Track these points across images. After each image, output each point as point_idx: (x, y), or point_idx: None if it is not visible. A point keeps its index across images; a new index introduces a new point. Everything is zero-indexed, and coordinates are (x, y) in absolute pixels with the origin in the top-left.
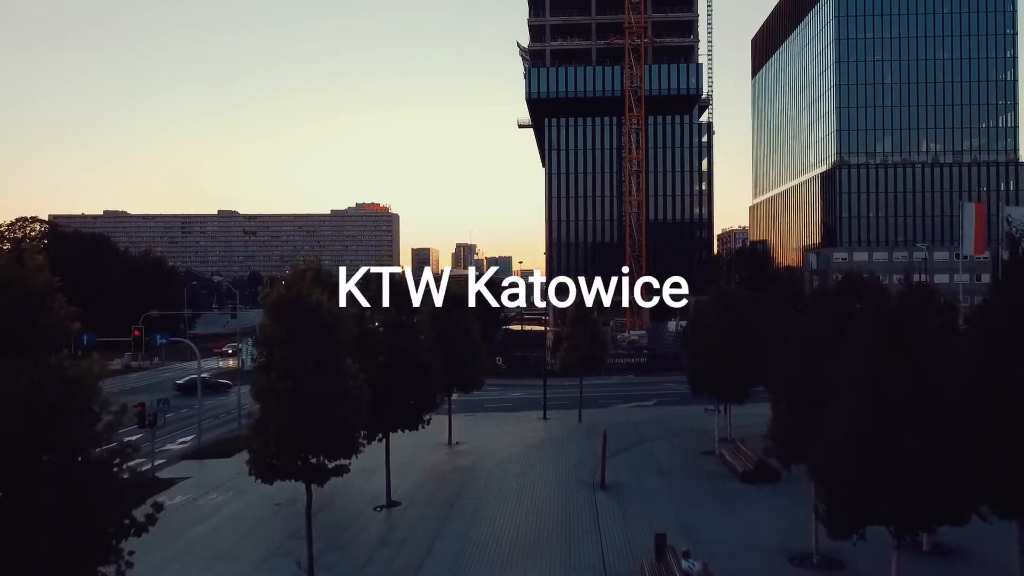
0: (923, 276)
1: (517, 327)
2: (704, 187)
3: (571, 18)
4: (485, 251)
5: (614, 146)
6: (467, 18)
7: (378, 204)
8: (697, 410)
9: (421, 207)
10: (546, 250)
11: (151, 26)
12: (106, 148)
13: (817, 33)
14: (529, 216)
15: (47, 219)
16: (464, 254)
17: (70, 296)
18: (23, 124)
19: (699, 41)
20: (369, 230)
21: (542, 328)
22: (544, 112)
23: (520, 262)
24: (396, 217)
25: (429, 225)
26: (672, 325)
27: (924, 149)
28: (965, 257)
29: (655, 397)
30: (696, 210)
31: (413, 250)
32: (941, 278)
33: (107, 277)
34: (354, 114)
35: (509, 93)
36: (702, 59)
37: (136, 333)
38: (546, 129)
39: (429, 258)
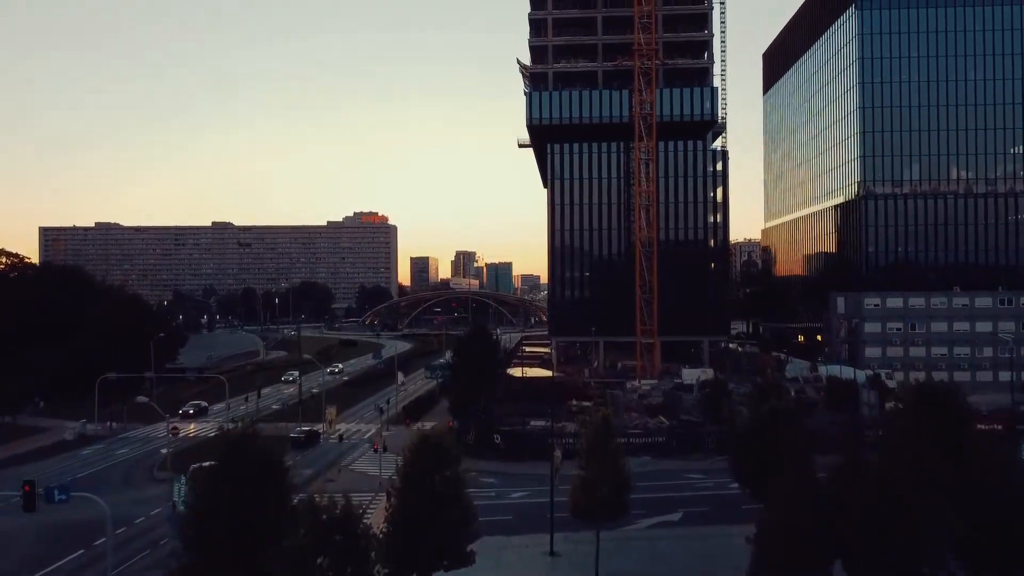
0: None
1: (518, 371)
2: (719, 218)
3: (575, 38)
4: (485, 257)
5: (622, 175)
6: (468, 22)
7: (376, 214)
8: (739, 542)
9: (420, 215)
10: (549, 287)
11: (145, 37)
12: (99, 159)
13: (838, 51)
14: (530, 215)
15: (38, 230)
16: (464, 262)
17: (35, 339)
18: (15, 134)
19: (713, 62)
20: (366, 241)
21: (549, 374)
22: (546, 137)
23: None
24: (394, 229)
25: (428, 233)
26: (688, 375)
27: (955, 177)
28: None
29: (682, 505)
30: (710, 242)
31: (412, 259)
32: (983, 326)
33: (77, 318)
34: (352, 122)
35: (511, 98)
36: (715, 80)
37: (27, 488)
38: (548, 156)
39: (428, 267)
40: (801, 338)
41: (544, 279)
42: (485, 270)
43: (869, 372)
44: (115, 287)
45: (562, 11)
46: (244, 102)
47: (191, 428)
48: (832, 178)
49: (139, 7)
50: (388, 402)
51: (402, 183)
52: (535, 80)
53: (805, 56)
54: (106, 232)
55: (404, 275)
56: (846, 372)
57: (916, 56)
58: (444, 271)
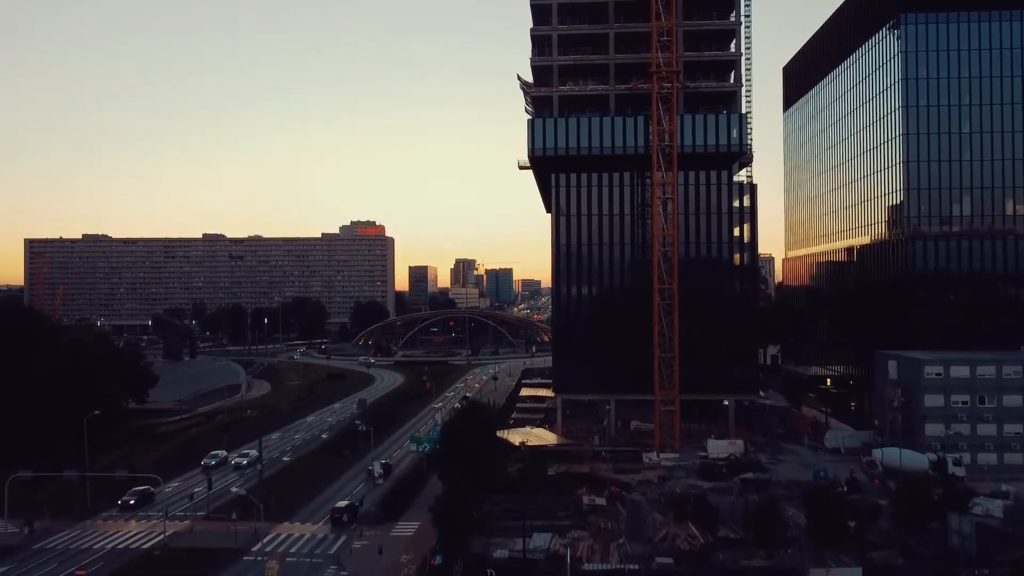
0: None
1: (518, 436)
2: (746, 259)
3: (584, 57)
4: (485, 263)
5: (636, 211)
6: (467, 32)
7: (373, 224)
8: None
9: (419, 222)
10: (553, 336)
11: (136, 48)
12: (88, 169)
13: (877, 69)
14: (531, 216)
15: (23, 242)
16: (463, 270)
17: None
18: (2, 144)
19: (741, 85)
20: (362, 254)
21: (553, 439)
22: (551, 167)
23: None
24: (391, 241)
25: (427, 240)
26: (715, 448)
27: (1011, 213)
28: None
29: None
30: (736, 286)
31: (411, 268)
32: None
33: (26, 368)
34: (351, 130)
35: (511, 104)
36: (742, 104)
37: None
38: (553, 187)
39: (427, 276)
40: (829, 382)
41: (545, 283)
42: (485, 277)
43: (932, 456)
44: (72, 330)
45: (569, 27)
46: (238, 112)
47: (131, 525)
48: (868, 210)
49: (131, 18)
50: (361, 502)
51: (400, 191)
52: (538, 104)
53: (834, 73)
54: (94, 244)
55: (402, 283)
56: (908, 458)
57: (968, 76)
58: (443, 279)
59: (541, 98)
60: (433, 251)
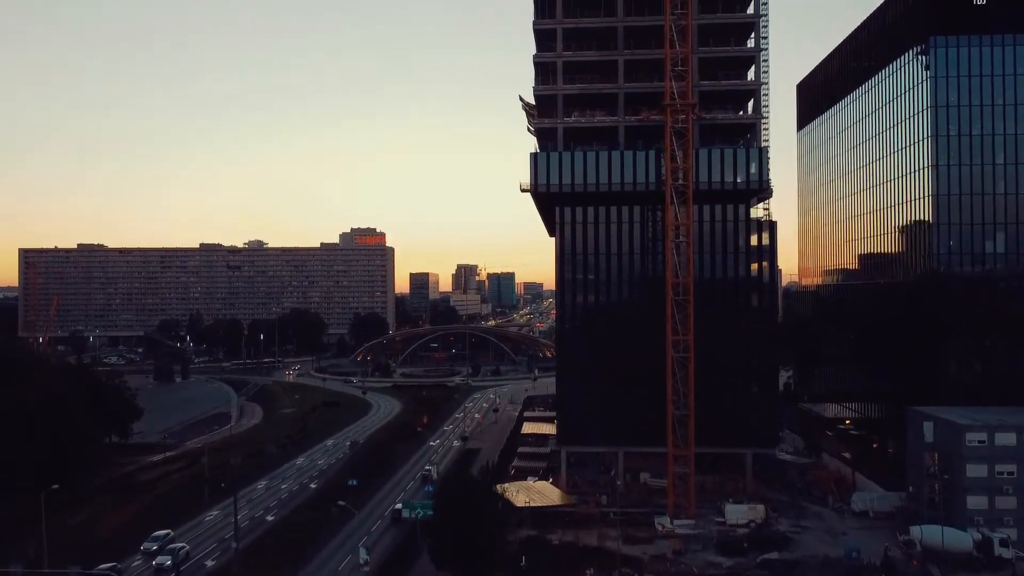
0: None
1: (520, 495)
2: (766, 302)
3: (591, 86)
4: (487, 267)
5: (647, 245)
6: (464, 38)
7: (373, 231)
8: None
9: (420, 227)
10: (558, 381)
11: (131, 55)
12: (85, 175)
13: (903, 93)
14: (532, 217)
15: (17, 251)
16: (465, 275)
17: None
18: None
19: (761, 116)
20: (362, 264)
21: (556, 495)
22: (556, 201)
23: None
24: (391, 250)
25: (428, 245)
26: (733, 513)
27: None
28: None
29: None
30: (754, 331)
31: (411, 275)
32: None
33: None
34: (351, 136)
35: (512, 102)
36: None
37: None
38: (558, 223)
39: (427, 283)
40: (848, 422)
41: (547, 285)
42: (487, 282)
43: (976, 535)
44: (46, 367)
45: (575, 53)
46: (237, 118)
47: None
48: (891, 244)
49: (129, 23)
50: None
51: (401, 194)
52: (542, 136)
53: (855, 93)
54: (89, 254)
55: (403, 287)
56: (951, 537)
57: (1002, 103)
58: (445, 284)
59: (545, 130)
60: (434, 255)
